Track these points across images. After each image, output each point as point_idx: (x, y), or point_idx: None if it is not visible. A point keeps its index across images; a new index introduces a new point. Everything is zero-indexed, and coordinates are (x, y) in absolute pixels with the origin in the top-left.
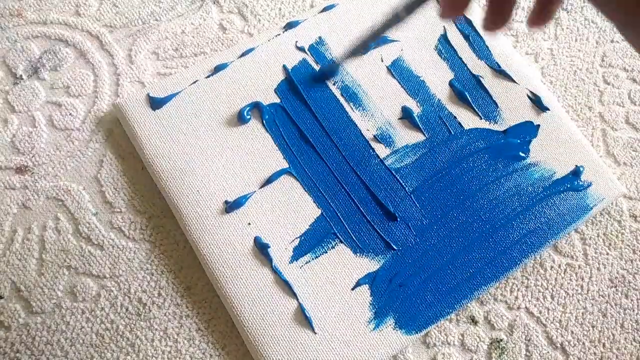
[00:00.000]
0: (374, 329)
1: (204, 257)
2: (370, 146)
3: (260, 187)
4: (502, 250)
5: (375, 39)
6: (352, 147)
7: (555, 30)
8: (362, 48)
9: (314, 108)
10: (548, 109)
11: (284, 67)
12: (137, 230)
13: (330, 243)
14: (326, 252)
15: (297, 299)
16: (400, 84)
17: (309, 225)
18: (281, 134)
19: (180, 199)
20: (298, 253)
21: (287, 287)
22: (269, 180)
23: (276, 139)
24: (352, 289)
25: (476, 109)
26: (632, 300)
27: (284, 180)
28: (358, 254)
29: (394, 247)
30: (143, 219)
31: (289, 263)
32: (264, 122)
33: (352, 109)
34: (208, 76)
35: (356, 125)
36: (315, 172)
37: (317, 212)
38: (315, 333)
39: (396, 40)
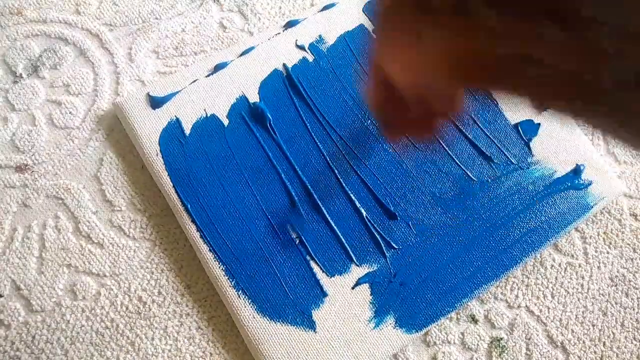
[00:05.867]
0: (374, 328)
1: (204, 256)
2: (372, 143)
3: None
4: (502, 249)
5: None
6: (353, 144)
7: None
8: None
9: (313, 105)
10: (548, 107)
11: (284, 65)
12: (137, 228)
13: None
14: None
15: None
16: None
17: None
18: (283, 132)
19: (181, 197)
20: None
21: None
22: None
23: (277, 137)
24: (353, 288)
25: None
26: (632, 299)
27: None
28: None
29: (395, 245)
30: (143, 217)
31: None
32: (266, 120)
33: (353, 105)
34: (208, 75)
35: (358, 122)
36: (315, 170)
37: None
38: (316, 332)
39: None
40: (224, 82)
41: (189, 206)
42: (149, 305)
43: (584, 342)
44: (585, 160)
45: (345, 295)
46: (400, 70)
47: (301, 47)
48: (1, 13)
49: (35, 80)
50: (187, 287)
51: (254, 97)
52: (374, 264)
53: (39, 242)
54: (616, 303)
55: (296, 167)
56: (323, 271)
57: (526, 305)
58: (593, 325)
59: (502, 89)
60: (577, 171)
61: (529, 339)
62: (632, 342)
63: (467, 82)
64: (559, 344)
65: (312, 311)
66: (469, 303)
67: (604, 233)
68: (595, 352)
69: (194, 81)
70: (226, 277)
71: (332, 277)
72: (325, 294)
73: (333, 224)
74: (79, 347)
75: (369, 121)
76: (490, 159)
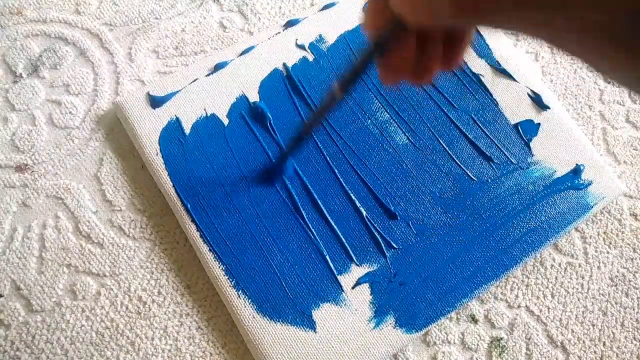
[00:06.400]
0: (374, 328)
1: (204, 255)
2: (373, 142)
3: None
4: (502, 249)
5: (318, 123)
6: (353, 144)
7: None
8: (306, 134)
9: (313, 105)
10: (548, 108)
11: (285, 64)
12: (137, 228)
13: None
14: None
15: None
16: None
17: None
18: (283, 131)
19: (181, 197)
20: None
21: None
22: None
23: (277, 137)
24: (353, 288)
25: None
26: (632, 298)
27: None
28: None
29: (395, 245)
30: (143, 217)
31: None
32: (266, 119)
33: (353, 105)
34: (208, 74)
35: (358, 122)
36: (315, 169)
37: None
38: (316, 332)
39: None
40: (224, 81)
41: (188, 206)
42: (149, 305)
43: (584, 342)
44: (585, 160)
45: (345, 295)
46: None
47: (301, 47)
48: (1, 13)
49: (35, 80)
50: (187, 287)
51: (254, 97)
52: (374, 264)
53: (39, 242)
54: (616, 303)
55: (296, 166)
56: None
57: (526, 305)
58: (593, 325)
59: (498, 23)
60: (577, 171)
61: (529, 339)
62: (632, 342)
63: (466, 15)
64: (559, 343)
65: (312, 311)
66: (469, 303)
67: (604, 233)
68: (595, 352)
69: (194, 80)
70: (226, 277)
71: None
72: None
73: (333, 224)
74: (78, 347)
75: (369, 121)
76: (490, 159)
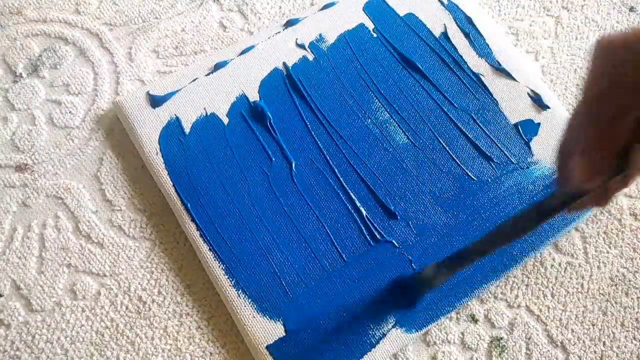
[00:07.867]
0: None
1: (204, 255)
2: (372, 142)
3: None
4: (502, 249)
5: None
6: (353, 143)
7: (555, 29)
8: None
9: (313, 104)
10: (548, 107)
11: (285, 64)
12: (137, 228)
13: None
14: None
15: None
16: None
17: None
18: (283, 130)
19: (180, 196)
20: None
21: None
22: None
23: (278, 136)
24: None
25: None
26: (632, 298)
27: (284, 177)
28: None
29: (395, 245)
30: (143, 217)
31: None
32: (266, 119)
33: (353, 104)
34: (208, 74)
35: (358, 121)
36: (316, 170)
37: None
38: None
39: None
40: (224, 81)
41: (188, 205)
42: (149, 305)
43: (583, 341)
44: None
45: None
46: None
47: (301, 46)
48: (1, 13)
49: (35, 80)
50: (187, 287)
51: (254, 96)
52: None
53: (39, 242)
54: (616, 303)
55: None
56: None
57: (526, 305)
58: (593, 325)
59: None
60: None
61: (529, 339)
62: (632, 342)
63: None
64: (558, 343)
65: None
66: (469, 303)
67: (604, 233)
68: (595, 352)
69: (194, 80)
70: (226, 277)
71: None
72: None
73: (333, 224)
74: (78, 346)
75: (369, 120)
76: (490, 158)
